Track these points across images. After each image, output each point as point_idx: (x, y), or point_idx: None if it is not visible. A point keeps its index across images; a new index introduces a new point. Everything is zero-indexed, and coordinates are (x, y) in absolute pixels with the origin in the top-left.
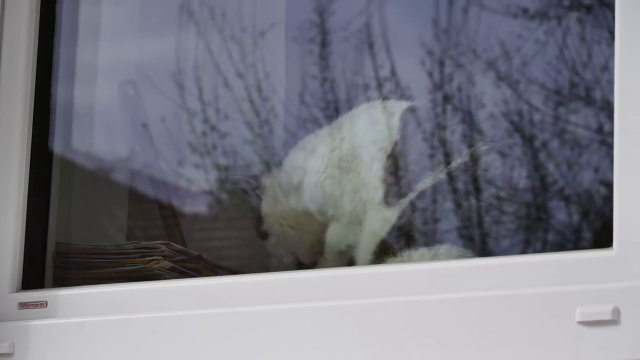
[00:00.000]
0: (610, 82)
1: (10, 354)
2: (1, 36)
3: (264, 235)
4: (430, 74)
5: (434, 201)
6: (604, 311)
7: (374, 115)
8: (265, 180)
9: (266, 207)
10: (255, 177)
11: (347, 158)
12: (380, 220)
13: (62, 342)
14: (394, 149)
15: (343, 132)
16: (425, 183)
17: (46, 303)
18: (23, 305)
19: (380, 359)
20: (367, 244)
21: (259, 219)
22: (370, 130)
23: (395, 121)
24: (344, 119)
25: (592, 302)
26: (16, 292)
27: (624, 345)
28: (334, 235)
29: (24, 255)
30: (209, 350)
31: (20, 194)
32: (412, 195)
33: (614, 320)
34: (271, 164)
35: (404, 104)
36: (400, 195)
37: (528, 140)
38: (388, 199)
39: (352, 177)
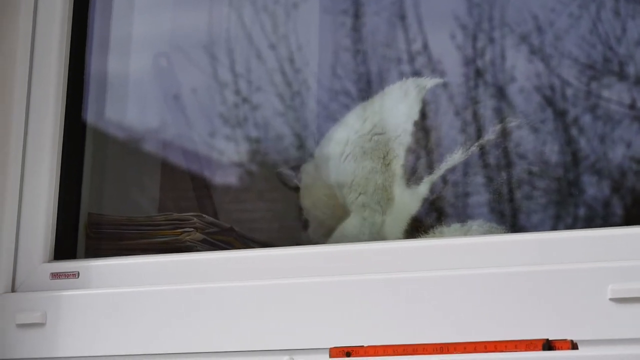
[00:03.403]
0: None
1: (42, 324)
2: (36, 8)
3: (305, 224)
4: (462, 48)
5: (465, 177)
6: (636, 288)
7: (403, 92)
8: (304, 167)
9: (303, 195)
10: (297, 167)
11: (377, 131)
12: (410, 196)
13: (93, 312)
14: (419, 126)
15: (373, 106)
16: (454, 159)
17: (78, 273)
18: (55, 275)
19: (410, 332)
20: (397, 222)
21: (299, 208)
22: (397, 107)
23: (419, 100)
24: (375, 98)
25: (624, 279)
26: (48, 262)
27: None
28: (349, 231)
29: (57, 226)
30: (240, 321)
31: (54, 165)
32: (441, 172)
33: None
34: (303, 137)
35: (429, 82)
36: (429, 171)
37: (560, 114)
38: (415, 176)
39: (379, 148)
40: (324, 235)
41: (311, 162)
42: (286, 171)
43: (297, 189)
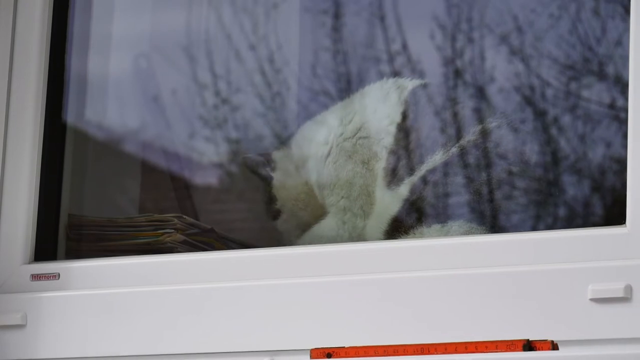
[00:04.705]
0: (624, 57)
1: (22, 326)
2: (16, 7)
3: (276, 214)
4: (441, 48)
5: (446, 177)
6: (616, 288)
7: (384, 93)
8: (277, 156)
9: (278, 184)
10: (266, 155)
11: (357, 131)
12: (390, 197)
13: (74, 313)
14: (401, 127)
15: (353, 106)
16: (435, 160)
17: (59, 275)
18: (36, 277)
19: (391, 333)
20: (378, 223)
21: (270, 197)
22: (379, 108)
23: (401, 101)
24: (355, 97)
25: (605, 279)
26: (29, 263)
27: (636, 322)
28: (325, 232)
29: (37, 227)
30: (221, 323)
31: (34, 166)
32: (421, 172)
33: (626, 298)
34: (284, 138)
35: (410, 83)
36: (410, 172)
37: (540, 114)
38: (396, 177)
39: (363, 151)
40: (295, 227)
41: (284, 151)
42: (255, 157)
43: (266, 177)
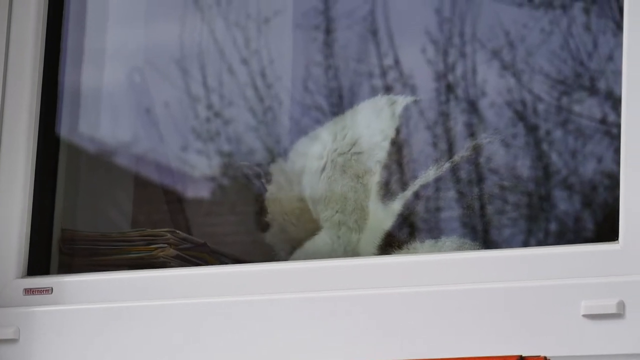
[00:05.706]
0: (615, 73)
1: (15, 340)
2: (10, 20)
3: (265, 227)
4: (433, 63)
5: (439, 193)
6: (609, 305)
7: (379, 109)
8: (273, 169)
9: (271, 197)
10: (262, 166)
11: (352, 147)
12: (384, 212)
13: (67, 328)
14: (395, 143)
15: (347, 122)
16: (428, 175)
17: (52, 289)
18: (28, 291)
19: (384, 349)
20: (371, 238)
21: (261, 209)
22: (374, 123)
23: (396, 117)
24: (348, 113)
25: (597, 295)
26: (22, 278)
27: (629, 339)
28: (320, 247)
29: (30, 241)
30: (214, 338)
31: (27, 179)
32: (415, 188)
33: (618, 314)
34: (276, 152)
35: (402, 101)
36: (403, 187)
37: (532, 130)
38: (389, 192)
39: (357, 166)
40: (283, 242)
41: (280, 165)
42: (252, 167)
43: (259, 189)
